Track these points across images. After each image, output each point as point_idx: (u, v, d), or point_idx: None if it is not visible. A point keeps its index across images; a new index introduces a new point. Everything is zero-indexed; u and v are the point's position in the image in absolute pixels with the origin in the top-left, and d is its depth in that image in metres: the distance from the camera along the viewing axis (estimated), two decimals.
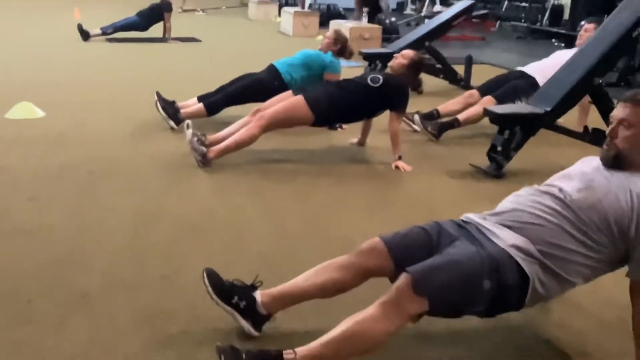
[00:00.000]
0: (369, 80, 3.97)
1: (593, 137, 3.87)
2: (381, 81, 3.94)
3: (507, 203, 2.07)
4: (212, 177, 3.66)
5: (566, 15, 11.66)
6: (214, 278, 2.07)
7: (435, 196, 3.54)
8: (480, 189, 3.67)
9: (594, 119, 4.35)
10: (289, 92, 4.26)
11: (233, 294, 2.06)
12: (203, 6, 14.52)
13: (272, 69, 4.77)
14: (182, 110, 4.63)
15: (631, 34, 3.93)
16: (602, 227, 1.87)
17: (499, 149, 3.86)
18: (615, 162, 1.99)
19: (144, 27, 9.38)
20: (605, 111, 3.90)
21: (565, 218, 1.89)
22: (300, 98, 3.94)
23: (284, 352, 1.78)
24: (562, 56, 4.72)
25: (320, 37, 10.16)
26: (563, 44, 10.14)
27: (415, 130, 4.73)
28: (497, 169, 3.86)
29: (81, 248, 2.73)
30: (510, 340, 2.18)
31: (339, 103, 3.96)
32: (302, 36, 10.49)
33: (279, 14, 12.67)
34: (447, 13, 7.20)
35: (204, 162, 3.78)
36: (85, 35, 9.04)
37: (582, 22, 5.23)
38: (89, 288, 2.39)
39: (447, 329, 2.17)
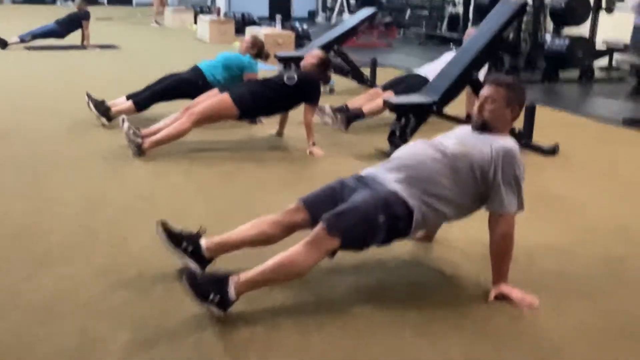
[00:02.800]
0: (285, 79, 4.52)
1: None
2: (296, 79, 4.51)
3: (398, 153, 2.69)
4: (148, 165, 4.12)
5: (462, 22, 12.71)
6: (166, 227, 2.56)
7: (345, 174, 4.06)
8: None
9: None
10: (215, 90, 4.77)
11: (182, 240, 2.55)
12: (116, 14, 14.68)
13: (196, 69, 5.26)
14: (112, 108, 5.04)
15: (501, 34, 4.71)
16: (470, 172, 2.49)
17: (397, 134, 4.52)
18: (482, 127, 2.62)
19: (62, 35, 9.59)
20: None
21: (442, 163, 2.51)
22: (226, 95, 4.46)
23: (229, 275, 2.30)
24: (447, 57, 5.48)
25: (236, 44, 10.67)
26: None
27: (326, 122, 5.33)
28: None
29: (35, 226, 3.11)
30: (401, 270, 2.79)
31: (260, 99, 4.49)
32: (219, 42, 10.96)
33: (195, 22, 13.07)
34: (353, 20, 7.90)
35: (140, 152, 4.23)
36: (3, 43, 9.16)
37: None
38: (48, 253, 2.80)
39: (351, 264, 2.73)
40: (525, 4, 4.67)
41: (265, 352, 2.12)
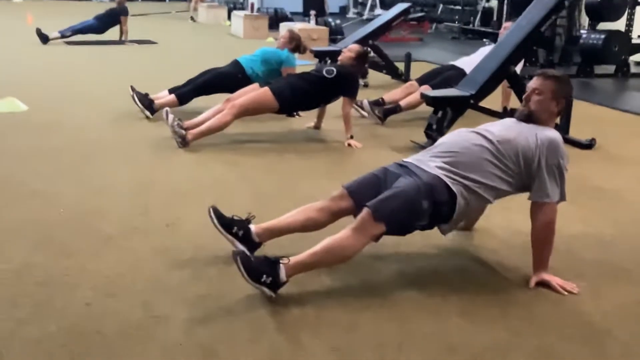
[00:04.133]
0: (324, 72, 4.63)
1: (511, 116, 4.63)
2: (335, 72, 4.61)
3: (442, 139, 2.78)
4: (192, 154, 4.25)
5: (495, 17, 12.67)
6: (218, 213, 2.67)
7: (381, 164, 4.20)
8: None
9: (515, 102, 5.14)
10: (256, 84, 4.89)
11: (233, 225, 2.66)
12: (151, 10, 14.94)
13: (235, 63, 5.39)
14: (155, 101, 5.19)
15: (540, 29, 4.73)
16: (514, 158, 2.57)
17: (434, 127, 4.58)
18: (528, 118, 2.70)
19: (101, 30, 9.83)
20: (519, 93, 4.67)
21: (487, 149, 2.58)
22: (266, 89, 4.57)
23: (280, 258, 2.41)
24: (485, 51, 5.51)
25: (270, 39, 10.80)
26: (494, 43, 11.06)
27: (363, 116, 5.42)
28: (433, 143, 4.57)
29: (94, 206, 3.29)
30: (443, 257, 2.87)
31: (300, 93, 4.60)
32: (253, 38, 11.09)
33: (229, 18, 13.23)
34: (387, 15, 7.96)
35: (184, 143, 4.37)
36: (44, 38, 9.41)
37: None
38: (110, 233, 2.97)
39: (394, 251, 2.82)
40: None
41: (316, 330, 2.22)
